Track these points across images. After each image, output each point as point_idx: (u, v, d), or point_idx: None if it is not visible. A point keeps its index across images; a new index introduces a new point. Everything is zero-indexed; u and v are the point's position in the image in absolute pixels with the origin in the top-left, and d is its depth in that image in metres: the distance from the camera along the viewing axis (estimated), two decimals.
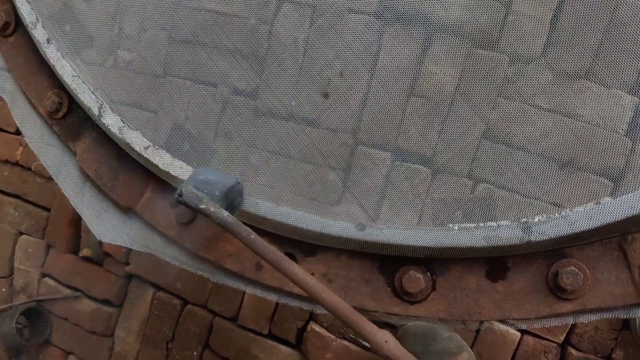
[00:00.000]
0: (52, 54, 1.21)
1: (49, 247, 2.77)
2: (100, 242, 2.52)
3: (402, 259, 0.97)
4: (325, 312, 0.86)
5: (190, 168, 1.08)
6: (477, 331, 2.01)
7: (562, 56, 0.94)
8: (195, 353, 2.43)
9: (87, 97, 1.17)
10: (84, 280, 2.66)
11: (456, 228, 0.93)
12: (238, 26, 1.13)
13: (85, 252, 2.64)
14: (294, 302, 1.03)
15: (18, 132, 2.75)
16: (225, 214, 0.91)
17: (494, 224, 0.92)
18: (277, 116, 1.09)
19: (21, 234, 2.84)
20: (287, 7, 1.10)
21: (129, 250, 2.54)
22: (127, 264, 2.55)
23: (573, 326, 1.95)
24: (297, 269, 0.86)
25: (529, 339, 1.99)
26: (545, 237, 0.87)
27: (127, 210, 1.16)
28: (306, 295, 0.86)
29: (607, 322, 1.93)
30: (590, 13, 0.92)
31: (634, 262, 0.86)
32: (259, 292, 1.05)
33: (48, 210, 2.77)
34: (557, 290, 0.89)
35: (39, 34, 1.23)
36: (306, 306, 1.02)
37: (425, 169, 1.01)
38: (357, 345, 2.13)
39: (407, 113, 1.02)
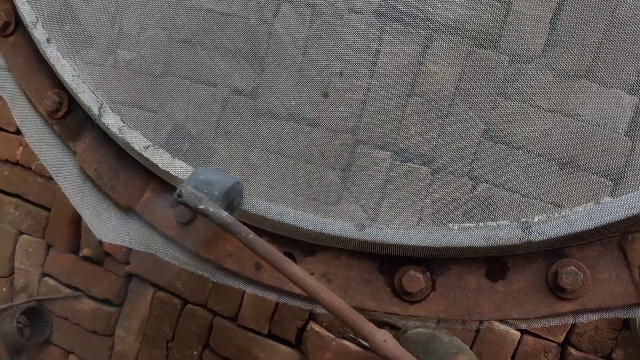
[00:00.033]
0: (52, 53, 1.21)
1: (49, 246, 2.77)
2: (100, 242, 2.52)
3: (401, 259, 0.97)
4: (324, 311, 0.86)
5: (190, 168, 1.08)
6: (477, 331, 2.02)
7: (562, 56, 0.94)
8: (195, 352, 2.43)
9: (87, 97, 1.17)
10: (84, 280, 2.66)
11: (456, 228, 0.93)
12: (238, 26, 1.13)
13: (85, 251, 2.64)
14: (294, 301, 1.03)
15: (18, 132, 2.75)
16: (224, 214, 0.91)
17: (493, 223, 0.92)
18: (277, 116, 1.09)
19: (21, 233, 2.84)
20: (287, 7, 1.10)
21: (129, 250, 2.54)
22: (127, 263, 2.56)
23: (573, 326, 1.95)
24: (296, 269, 0.86)
25: (528, 338, 1.99)
26: (545, 237, 0.87)
27: (127, 209, 1.16)
28: (306, 294, 0.86)
29: (607, 321, 1.93)
30: (590, 13, 0.92)
31: (634, 262, 0.86)
32: (258, 292, 1.05)
33: (48, 209, 2.77)
34: (557, 290, 0.89)
35: (39, 33, 1.23)
36: (306, 306, 1.02)
37: (425, 169, 1.01)
38: (356, 344, 2.13)
39: (407, 113, 1.02)
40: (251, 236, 0.89)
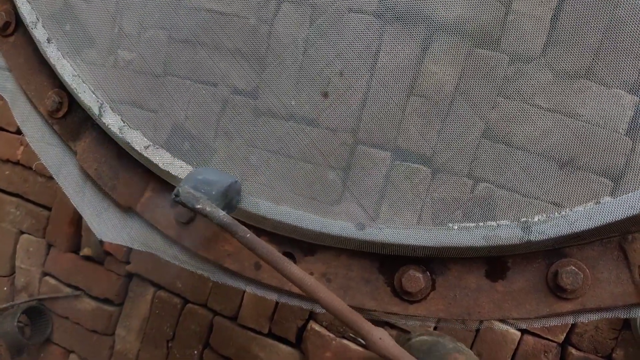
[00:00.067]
0: (53, 53, 1.21)
1: (49, 246, 2.77)
2: (100, 241, 2.53)
3: (401, 259, 0.97)
4: (324, 311, 0.86)
5: (190, 167, 1.08)
6: (477, 331, 2.02)
7: (562, 56, 0.94)
8: (195, 352, 2.43)
9: (88, 97, 1.17)
10: (84, 279, 2.66)
11: (456, 227, 0.93)
12: (238, 26, 1.13)
13: (86, 251, 2.64)
14: (294, 301, 1.03)
15: (19, 132, 2.75)
16: (222, 213, 0.91)
17: (493, 223, 0.92)
18: (277, 116, 1.09)
19: (22, 233, 2.85)
20: (287, 7, 1.10)
21: (130, 250, 2.54)
22: (128, 263, 2.56)
23: (573, 326, 1.95)
24: (294, 269, 0.86)
25: (529, 338, 1.99)
26: (545, 237, 0.87)
27: (127, 209, 1.16)
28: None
29: (607, 321, 1.93)
30: (590, 13, 0.92)
31: (634, 261, 0.86)
32: (258, 291, 1.05)
33: (49, 209, 2.78)
34: (557, 290, 0.88)
35: (39, 33, 1.23)
36: (306, 305, 1.02)
37: (425, 169, 1.01)
38: (356, 344, 2.13)
39: (406, 112, 1.02)
40: (248, 235, 0.89)
